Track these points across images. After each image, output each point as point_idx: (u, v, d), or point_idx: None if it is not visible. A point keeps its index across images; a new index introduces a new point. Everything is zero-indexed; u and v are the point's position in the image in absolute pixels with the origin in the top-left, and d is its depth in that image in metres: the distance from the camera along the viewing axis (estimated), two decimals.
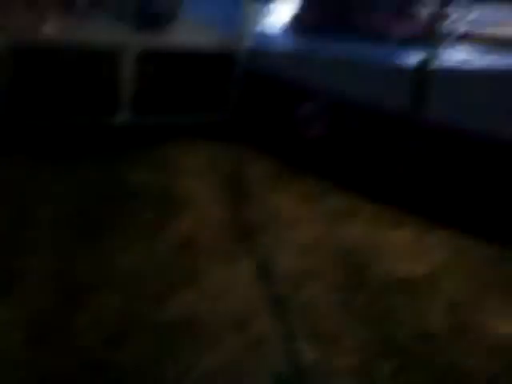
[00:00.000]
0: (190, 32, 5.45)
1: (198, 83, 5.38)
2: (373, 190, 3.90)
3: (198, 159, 4.43)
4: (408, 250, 3.29)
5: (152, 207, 3.51)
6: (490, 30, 7.11)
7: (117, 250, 2.94)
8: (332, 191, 3.98)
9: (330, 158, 4.23)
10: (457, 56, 5.41)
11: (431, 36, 3.67)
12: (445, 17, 6.75)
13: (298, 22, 6.14)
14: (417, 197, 3.74)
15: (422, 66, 3.66)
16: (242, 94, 4.79)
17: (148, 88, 5.39)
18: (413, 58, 3.95)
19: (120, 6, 5.69)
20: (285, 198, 3.83)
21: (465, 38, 7.10)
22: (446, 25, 7.06)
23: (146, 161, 4.28)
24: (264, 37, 5.25)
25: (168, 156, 4.42)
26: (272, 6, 5.96)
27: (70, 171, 3.91)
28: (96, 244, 2.99)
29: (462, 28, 7.12)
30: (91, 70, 4.56)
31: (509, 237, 3.36)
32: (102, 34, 4.85)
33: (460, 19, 7.15)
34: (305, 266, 2.98)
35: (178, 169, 4.22)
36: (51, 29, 4.45)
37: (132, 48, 4.42)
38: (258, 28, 4.85)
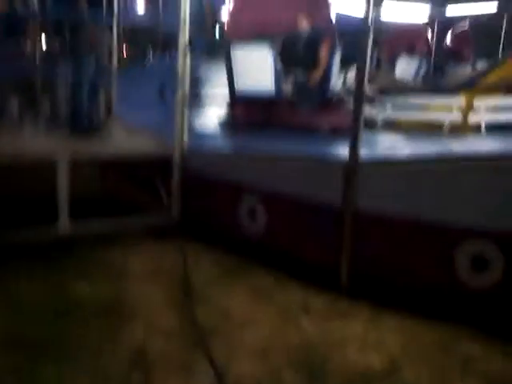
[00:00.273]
0: (126, 136, 5.54)
1: (138, 186, 5.41)
2: (323, 280, 3.90)
3: (144, 262, 4.33)
4: (364, 340, 3.27)
5: (99, 320, 3.35)
6: (414, 116, 7.60)
7: (64, 376, 2.75)
8: (281, 285, 3.95)
9: (275, 252, 4.25)
10: (383, 144, 5.74)
11: (354, 127, 3.78)
12: (370, 105, 7.21)
13: (231, 122, 6.39)
14: (363, 285, 3.76)
15: (351, 158, 3.76)
16: (183, 193, 4.83)
17: (87, 194, 5.36)
18: (341, 150, 4.13)
19: (52, 113, 5.74)
20: (235, 297, 3.77)
21: (390, 125, 7.56)
22: (372, 113, 7.53)
23: (91, 269, 4.14)
24: (199, 137, 5.39)
25: (113, 261, 4.30)
26: (205, 107, 6.19)
27: (2, 287, 3.70)
28: (37, 374, 2.76)
29: (387, 115, 7.58)
30: (27, 181, 4.50)
31: (457, 315, 3.41)
32: (36, 143, 4.84)
33: (385, 106, 7.62)
34: (261, 371, 2.88)
35: (125, 274, 4.10)
36: None
37: (67, 156, 4.39)
38: (193, 129, 4.95)
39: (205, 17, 8.43)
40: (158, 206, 4.93)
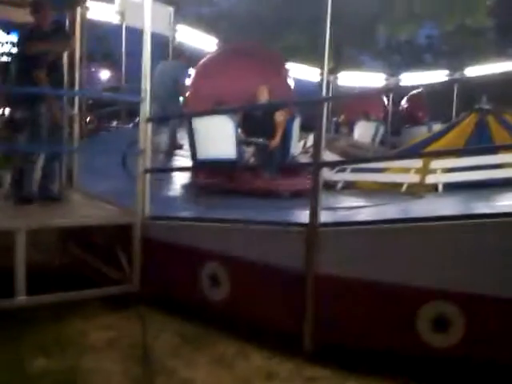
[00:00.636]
0: (86, 205, 5.51)
1: (98, 255, 5.33)
2: (287, 346, 3.84)
3: (103, 334, 4.20)
4: None
5: None
6: (373, 178, 7.78)
7: None
8: (244, 353, 3.87)
9: (238, 319, 4.20)
10: (344, 206, 5.84)
11: (313, 190, 3.84)
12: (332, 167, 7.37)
13: (193, 187, 6.44)
14: (327, 350, 3.73)
15: (311, 221, 3.80)
16: (144, 262, 4.77)
17: (46, 264, 5.26)
18: (301, 214, 4.17)
19: (12, 184, 5.70)
20: (197, 367, 3.67)
21: (350, 186, 7.71)
22: (333, 175, 7.69)
23: (48, 342, 3.99)
24: (161, 204, 5.39)
25: (71, 334, 4.17)
26: (167, 175, 6.25)
27: None
28: None
29: (346, 177, 7.75)
30: None
31: (421, 376, 3.39)
32: None
33: (344, 169, 7.79)
34: None
35: (83, 346, 3.96)
36: None
37: (24, 226, 4.32)
38: (153, 196, 4.96)
39: (178, 88, 8.61)
40: (118, 275, 4.85)
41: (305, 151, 8.73)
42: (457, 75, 14.38)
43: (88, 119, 11.99)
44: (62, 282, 4.63)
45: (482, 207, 5.39)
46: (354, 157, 9.34)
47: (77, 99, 6.42)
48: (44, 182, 5.56)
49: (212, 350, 3.92)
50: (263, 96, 6.93)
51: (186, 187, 7.14)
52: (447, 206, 5.74)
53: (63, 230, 5.51)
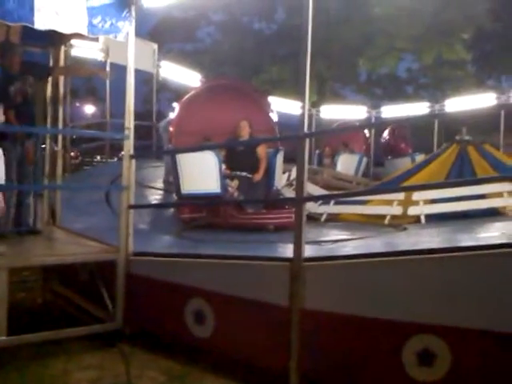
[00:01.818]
0: (69, 241, 5.46)
1: (81, 292, 5.27)
2: (273, 381, 3.80)
3: (85, 373, 4.13)
4: None
5: None
6: (356, 210, 7.84)
7: None
8: None
9: (223, 356, 4.15)
10: (328, 238, 5.85)
11: (297, 224, 3.85)
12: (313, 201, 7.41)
13: (178, 222, 6.43)
14: None
15: (295, 255, 3.80)
16: (127, 298, 4.72)
17: (28, 302, 5.18)
18: (286, 248, 4.16)
19: None
20: None
21: (335, 219, 7.75)
22: (317, 208, 7.73)
23: (31, 382, 3.94)
24: (145, 239, 5.38)
25: (53, 373, 4.08)
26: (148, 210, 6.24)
27: None
28: None
29: (330, 209, 7.79)
30: None
31: None
32: None
33: (328, 201, 7.84)
34: None
35: None
36: None
37: (5, 266, 4.27)
38: (137, 232, 4.95)
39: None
40: (101, 312, 4.79)
41: (289, 183, 8.78)
42: (437, 107, 14.64)
43: (72, 154, 11.99)
44: (44, 320, 4.57)
45: (465, 239, 5.44)
46: (337, 189, 9.41)
47: (60, 135, 6.41)
48: (18, 216, 5.53)
49: None
50: (245, 130, 7.01)
51: (170, 221, 7.12)
52: (430, 239, 5.78)
53: (45, 267, 5.46)
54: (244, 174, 6.81)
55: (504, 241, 4.13)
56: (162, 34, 19.55)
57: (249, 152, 6.90)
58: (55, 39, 5.88)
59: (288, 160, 7.43)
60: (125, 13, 4.71)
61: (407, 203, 7.43)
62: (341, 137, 13.76)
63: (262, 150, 6.95)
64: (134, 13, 4.78)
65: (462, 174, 7.84)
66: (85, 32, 4.54)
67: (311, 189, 8.04)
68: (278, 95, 14.86)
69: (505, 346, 3.09)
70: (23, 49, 5.63)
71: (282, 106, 13.76)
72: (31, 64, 5.68)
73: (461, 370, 3.22)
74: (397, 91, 21.77)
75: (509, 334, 3.06)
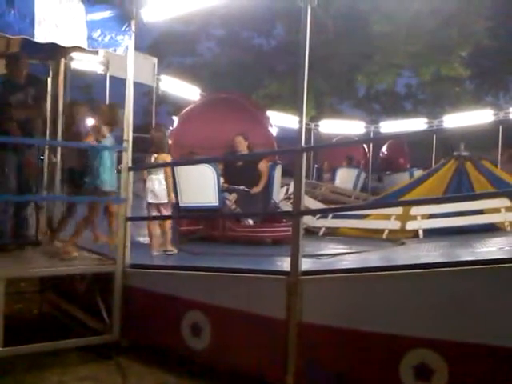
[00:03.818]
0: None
1: (78, 304, 5.26)
2: None
3: None
4: None
5: None
6: (355, 224, 7.83)
7: None
8: None
9: (220, 368, 4.14)
10: (326, 252, 5.85)
11: (294, 238, 3.86)
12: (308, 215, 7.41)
13: (175, 234, 6.41)
14: None
15: (292, 269, 3.79)
16: (124, 311, 4.71)
17: (25, 313, 5.15)
18: (283, 261, 4.16)
19: None
20: None
21: (333, 233, 7.75)
22: (314, 221, 7.73)
23: None
24: (142, 252, 5.37)
25: None
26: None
27: None
28: None
29: (328, 223, 7.80)
30: None
31: None
32: None
33: (326, 215, 7.85)
34: None
35: None
36: None
37: (3, 277, 4.26)
38: (134, 245, 4.95)
39: None
40: (98, 324, 4.77)
41: (287, 197, 8.79)
42: (436, 123, 14.69)
43: None
44: (40, 331, 4.54)
45: (463, 254, 5.43)
46: (335, 203, 9.42)
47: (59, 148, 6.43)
48: (17, 228, 5.52)
49: None
50: (241, 145, 7.03)
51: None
52: (428, 253, 5.77)
53: (43, 278, 5.44)
54: (242, 187, 6.81)
55: (502, 256, 4.13)
56: (162, 47, 19.63)
57: (248, 167, 6.92)
58: (55, 52, 5.91)
59: (286, 174, 7.45)
60: (125, 27, 4.74)
61: (405, 218, 7.43)
62: (344, 151, 13.81)
63: (263, 165, 6.96)
64: (133, 27, 4.81)
65: (459, 190, 7.86)
66: (85, 45, 4.56)
67: (309, 203, 8.06)
68: (276, 110, 14.90)
69: (502, 360, 3.08)
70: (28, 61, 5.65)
71: (280, 121, 13.81)
72: (35, 78, 5.69)
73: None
74: (395, 107, 21.84)
75: (506, 348, 3.05)
